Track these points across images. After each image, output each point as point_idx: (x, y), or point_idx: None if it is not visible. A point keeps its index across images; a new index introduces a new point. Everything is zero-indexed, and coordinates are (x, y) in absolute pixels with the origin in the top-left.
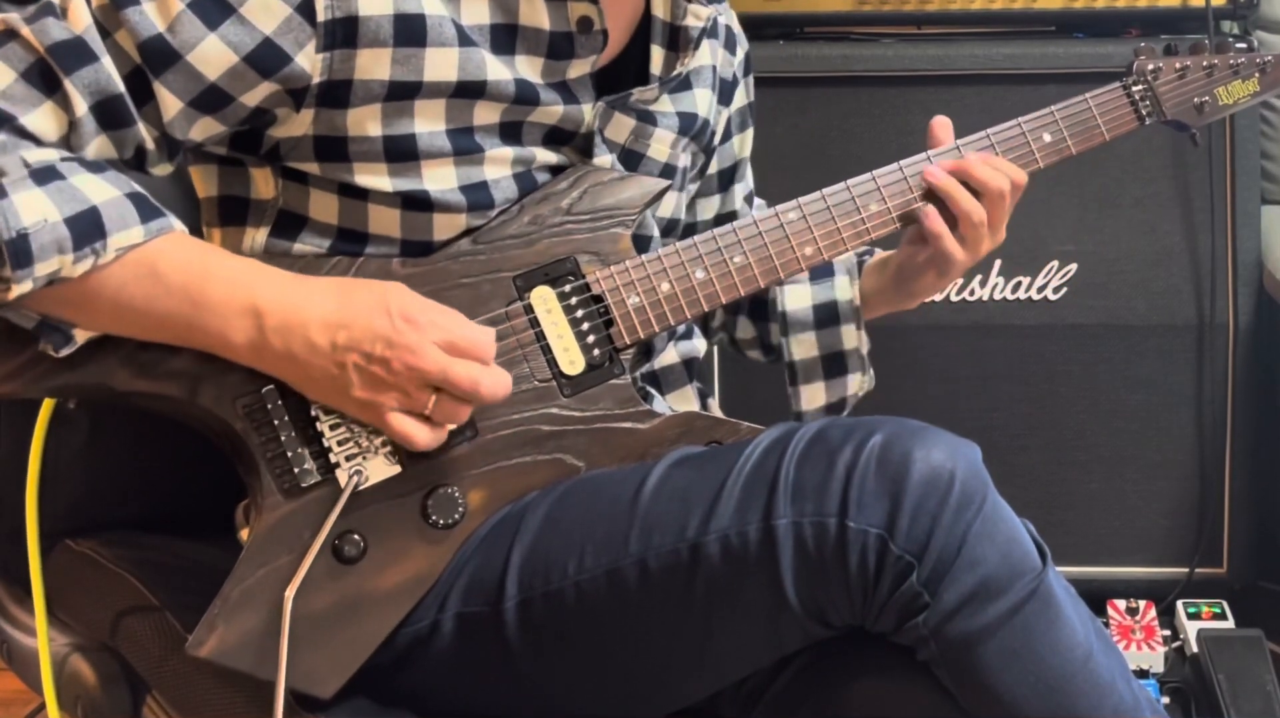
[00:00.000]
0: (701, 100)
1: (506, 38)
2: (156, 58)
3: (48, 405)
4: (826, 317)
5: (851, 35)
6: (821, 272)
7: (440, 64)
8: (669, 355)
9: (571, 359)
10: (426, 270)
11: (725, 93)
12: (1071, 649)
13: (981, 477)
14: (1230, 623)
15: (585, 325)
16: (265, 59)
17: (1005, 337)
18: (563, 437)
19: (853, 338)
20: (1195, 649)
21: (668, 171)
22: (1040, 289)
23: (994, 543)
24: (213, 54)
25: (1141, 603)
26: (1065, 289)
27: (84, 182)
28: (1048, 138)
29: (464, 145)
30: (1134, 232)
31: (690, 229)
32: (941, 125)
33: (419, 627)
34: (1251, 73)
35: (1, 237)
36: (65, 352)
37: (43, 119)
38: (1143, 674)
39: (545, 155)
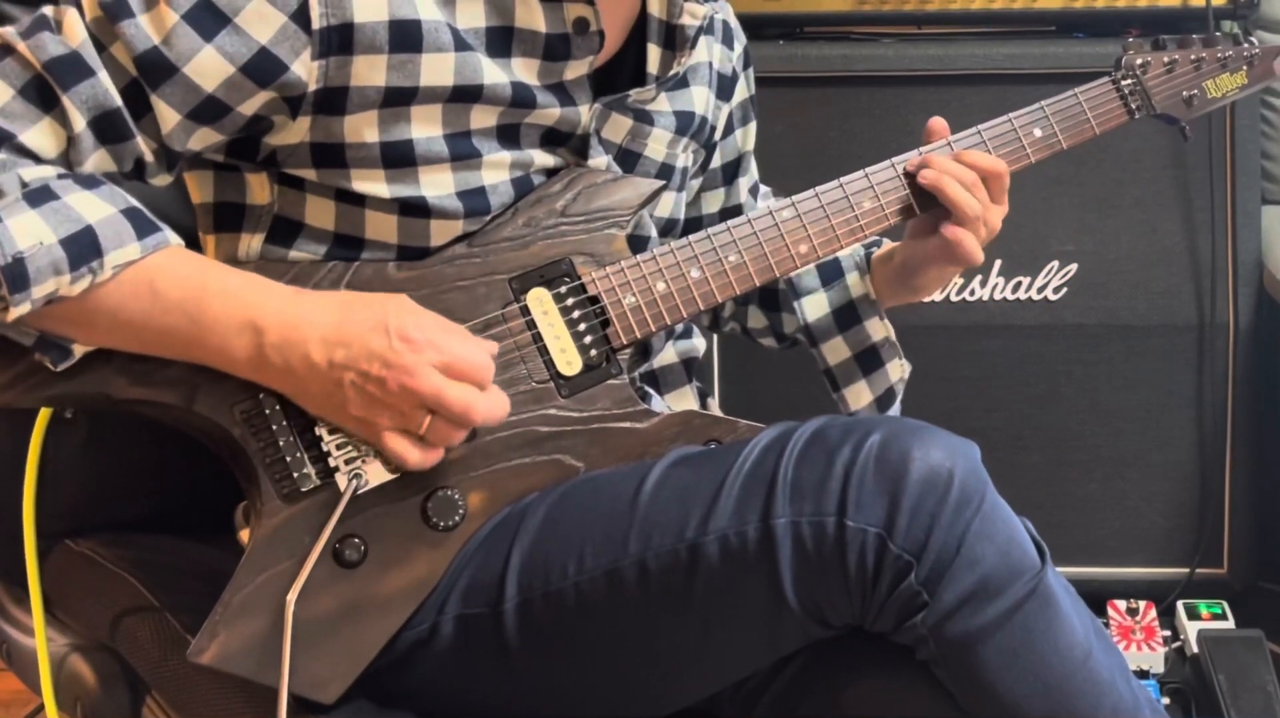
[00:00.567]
0: (699, 98)
1: (502, 41)
2: (153, 70)
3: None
4: (848, 318)
5: (851, 35)
6: (831, 272)
7: (436, 69)
8: (667, 355)
9: (569, 360)
10: (422, 274)
11: (724, 88)
12: (1071, 649)
13: (980, 476)
14: (1230, 624)
15: (582, 326)
16: (262, 68)
17: (1005, 337)
18: (561, 437)
19: (879, 329)
20: (1195, 650)
21: (665, 171)
22: (1040, 289)
23: (993, 542)
24: (209, 65)
25: (1141, 604)
26: (1065, 289)
27: (79, 200)
28: (1038, 133)
29: (461, 150)
30: (1134, 232)
31: (696, 224)
32: (938, 124)
33: (419, 629)
34: (1239, 66)
35: None
36: (64, 366)
37: (41, 136)
38: (1143, 675)
39: (542, 158)
